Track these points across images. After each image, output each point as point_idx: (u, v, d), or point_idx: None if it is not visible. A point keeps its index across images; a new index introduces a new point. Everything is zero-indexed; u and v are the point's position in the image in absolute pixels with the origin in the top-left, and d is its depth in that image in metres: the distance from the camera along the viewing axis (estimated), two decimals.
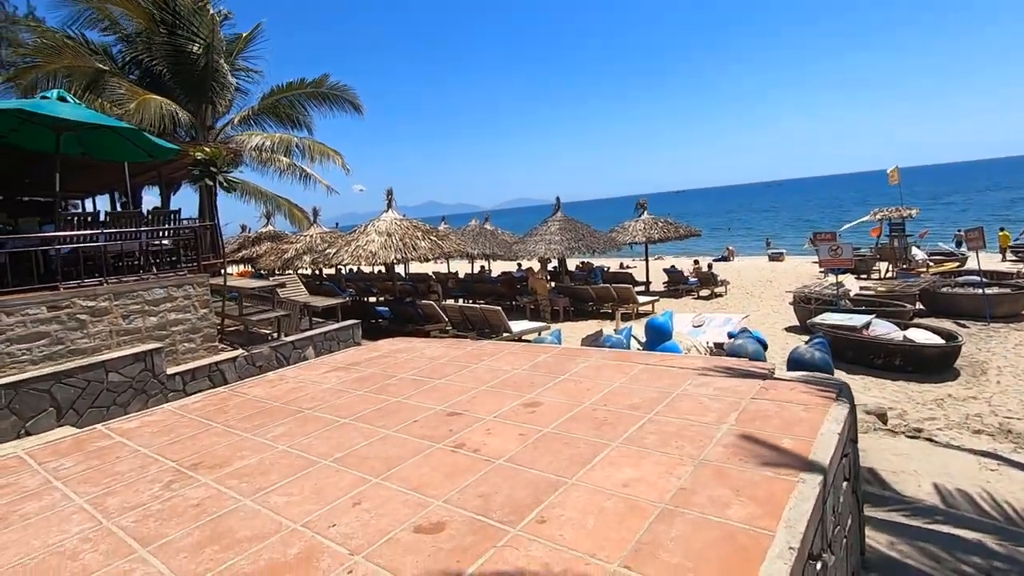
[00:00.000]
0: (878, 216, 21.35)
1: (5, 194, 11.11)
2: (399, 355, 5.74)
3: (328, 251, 14.52)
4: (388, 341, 6.46)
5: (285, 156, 16.76)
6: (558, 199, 17.78)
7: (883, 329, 9.57)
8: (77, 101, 8.92)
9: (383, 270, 18.35)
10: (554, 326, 13.97)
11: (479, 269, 24.16)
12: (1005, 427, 6.07)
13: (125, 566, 2.48)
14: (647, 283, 20.01)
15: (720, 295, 17.83)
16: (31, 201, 11.70)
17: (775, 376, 3.81)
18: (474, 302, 18.21)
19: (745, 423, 3.20)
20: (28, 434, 5.83)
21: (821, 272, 17.40)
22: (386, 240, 13.45)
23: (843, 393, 3.37)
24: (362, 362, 5.68)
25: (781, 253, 28.66)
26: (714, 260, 30.84)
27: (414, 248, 13.47)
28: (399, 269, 25.13)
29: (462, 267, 26.17)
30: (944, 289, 13.20)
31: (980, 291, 12.21)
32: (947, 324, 11.31)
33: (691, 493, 2.54)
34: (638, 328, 8.09)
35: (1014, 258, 21.55)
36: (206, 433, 4.12)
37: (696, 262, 19.80)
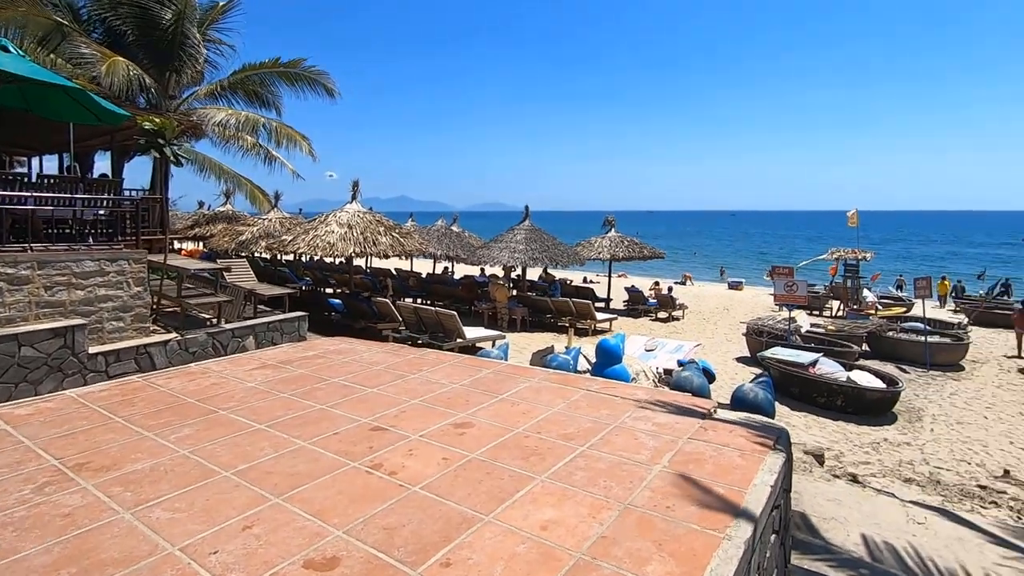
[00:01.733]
0: (835, 256, 22.02)
1: None
2: (335, 357, 5.43)
3: (284, 238, 13.99)
4: (328, 340, 6.13)
5: (251, 135, 16.13)
6: (527, 207, 17.65)
7: (829, 368, 9.74)
8: (21, 53, 8.27)
9: (344, 261, 17.88)
10: (509, 336, 13.81)
11: (442, 270, 23.82)
12: (935, 477, 6.18)
13: None
14: (608, 300, 20.07)
15: (677, 319, 18.01)
16: None
17: (715, 416, 3.70)
18: (433, 303, 17.92)
19: (679, 466, 3.06)
20: None
21: (776, 306, 17.77)
22: (346, 232, 13.04)
23: (780, 440, 3.28)
24: (295, 361, 5.35)
25: (740, 282, 29.27)
26: (674, 283, 31.36)
27: (374, 243, 13.10)
28: (360, 262, 24.59)
29: (426, 266, 25.77)
30: (890, 333, 13.62)
31: (923, 338, 12.64)
32: (890, 368, 11.64)
33: (611, 543, 2.37)
34: (590, 347, 7.98)
35: (955, 308, 22.54)
36: (103, 428, 3.74)
37: (656, 284, 19.99)
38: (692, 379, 4.35)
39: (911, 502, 4.87)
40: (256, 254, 18.76)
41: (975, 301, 21.32)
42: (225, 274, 9.99)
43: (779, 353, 10.23)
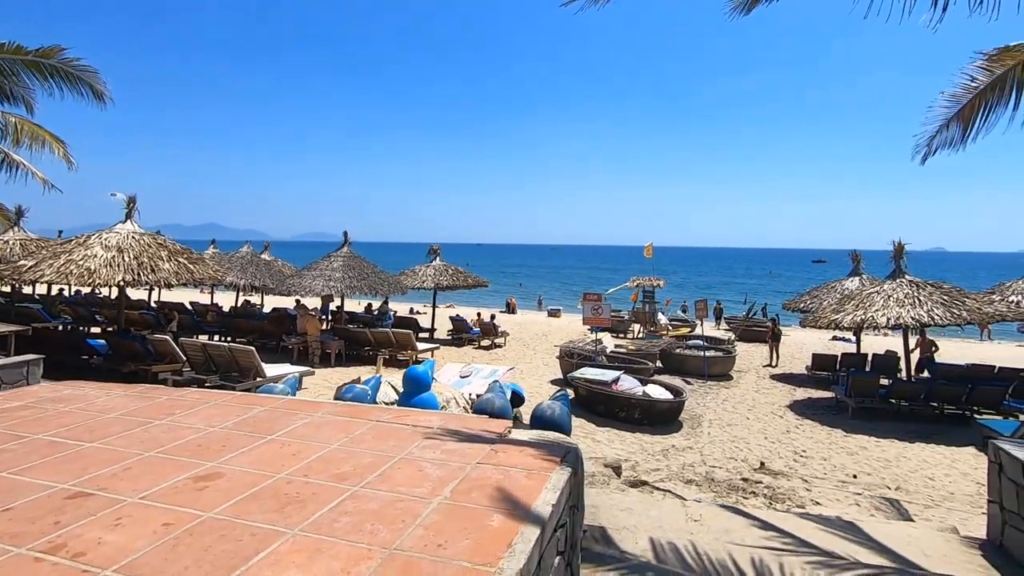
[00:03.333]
0: (635, 284, 24.72)
1: None
2: (51, 406, 4.20)
3: (23, 263, 11.17)
4: (46, 386, 4.78)
5: None
6: (345, 234, 16.72)
7: (628, 384, 10.57)
8: None
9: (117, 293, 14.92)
10: (322, 371, 12.68)
11: (249, 302, 21.38)
12: (710, 476, 6.88)
13: None
14: (432, 330, 19.80)
15: (500, 346, 18.40)
16: None
17: (508, 438, 3.54)
18: (235, 340, 15.83)
19: (461, 495, 2.77)
20: None
21: (588, 329, 19.17)
22: (114, 257, 10.86)
23: (568, 457, 3.20)
24: None
25: (558, 310, 31.28)
26: (499, 311, 32.42)
27: (153, 270, 11.09)
28: (143, 295, 20.93)
29: (232, 299, 22.87)
30: (677, 350, 15.45)
31: (702, 353, 14.55)
32: (677, 380, 13.12)
33: None
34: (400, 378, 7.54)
35: (727, 327, 26.68)
36: None
37: (479, 314, 20.32)
38: (493, 401, 4.19)
39: (693, 500, 5.26)
40: None
41: (739, 321, 25.47)
42: None
43: (586, 373, 10.85)
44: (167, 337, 11.01)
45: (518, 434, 3.60)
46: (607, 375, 10.65)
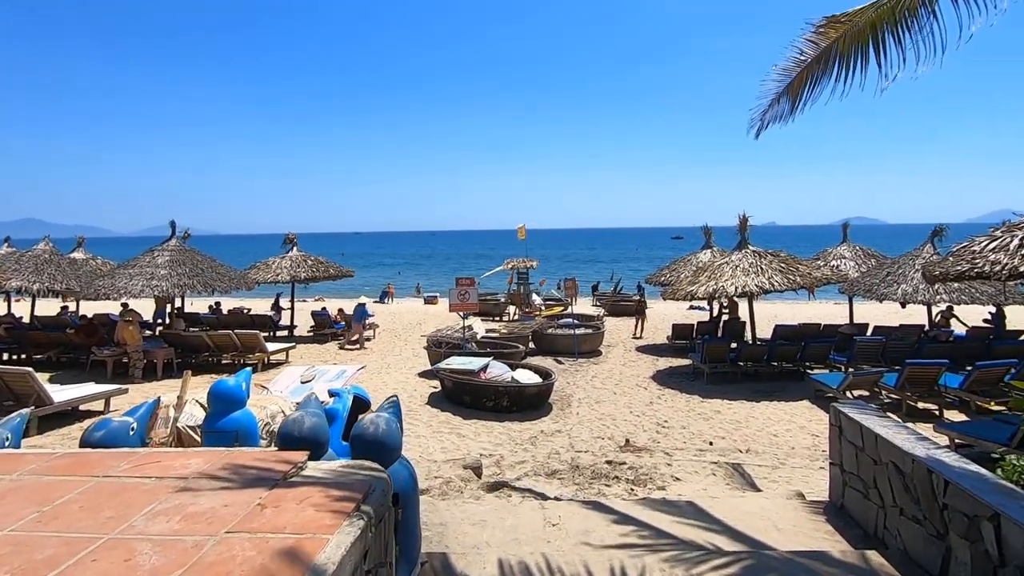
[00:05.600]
0: (510, 266, 24.55)
1: None
2: None
3: None
4: None
5: None
6: (173, 224, 14.34)
7: (497, 371, 10.10)
8: None
9: None
10: (141, 387, 10.71)
11: (59, 310, 17.85)
12: (575, 463, 6.57)
13: None
14: (291, 327, 17.99)
15: (369, 339, 17.17)
16: None
17: (294, 478, 2.67)
18: (30, 357, 12.99)
19: None
20: None
21: (460, 315, 18.57)
22: None
23: (370, 498, 2.42)
24: None
25: (435, 296, 30.37)
26: (374, 302, 30.75)
27: None
28: None
29: (48, 307, 18.91)
30: (549, 330, 15.39)
31: (572, 332, 14.59)
32: (548, 361, 12.98)
33: None
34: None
35: (597, 303, 27.60)
36: None
37: (340, 310, 18.77)
38: (302, 421, 3.29)
39: (554, 498, 4.82)
40: None
41: (607, 297, 26.45)
42: None
43: (452, 363, 10.20)
44: None
45: (311, 470, 2.76)
46: (475, 363, 10.09)
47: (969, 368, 9.00)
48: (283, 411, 5.58)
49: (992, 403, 8.76)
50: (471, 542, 4.06)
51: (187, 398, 5.56)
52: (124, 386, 9.76)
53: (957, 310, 13.13)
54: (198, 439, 5.10)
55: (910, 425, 4.55)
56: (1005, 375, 8.86)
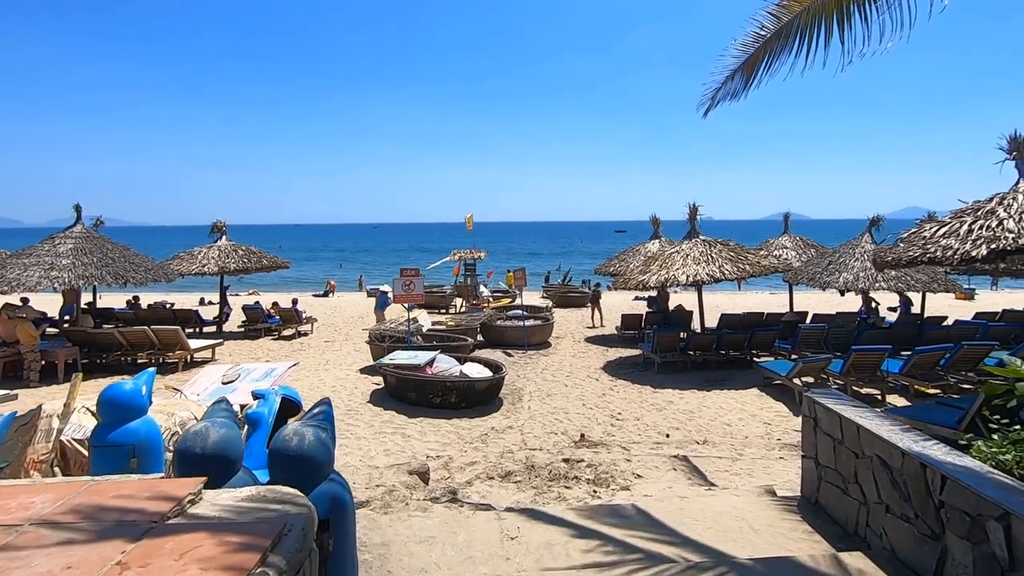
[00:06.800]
0: (457, 257, 23.88)
1: None
2: None
3: None
4: None
5: None
6: (78, 206, 12.81)
7: (445, 365, 9.53)
8: None
9: None
10: (38, 391, 9.45)
11: None
12: (530, 462, 6.13)
13: None
14: (220, 322, 16.66)
15: (306, 334, 16.13)
16: None
17: (175, 519, 1.97)
18: None
19: None
20: None
21: (404, 307, 17.78)
22: None
23: (280, 547, 1.79)
24: None
25: (377, 289, 29.25)
26: (314, 295, 29.27)
27: None
28: None
29: None
30: (498, 322, 14.91)
31: (522, 323, 14.18)
32: (498, 354, 12.51)
33: None
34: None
35: (545, 294, 27.37)
36: None
37: (275, 304, 17.53)
38: (206, 434, 2.62)
39: (507, 509, 4.33)
40: None
41: (555, 288, 26.26)
42: None
43: (397, 358, 9.53)
44: None
45: (211, 502, 2.11)
46: (421, 357, 9.46)
47: (907, 353, 9.25)
48: (195, 417, 4.81)
49: (929, 387, 9.04)
50: (418, 565, 3.51)
51: (75, 405, 4.70)
52: (13, 392, 8.48)
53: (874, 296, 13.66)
54: (86, 455, 4.28)
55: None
56: (941, 359, 9.16)
